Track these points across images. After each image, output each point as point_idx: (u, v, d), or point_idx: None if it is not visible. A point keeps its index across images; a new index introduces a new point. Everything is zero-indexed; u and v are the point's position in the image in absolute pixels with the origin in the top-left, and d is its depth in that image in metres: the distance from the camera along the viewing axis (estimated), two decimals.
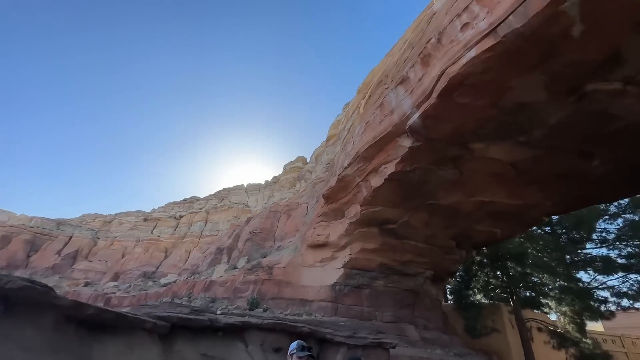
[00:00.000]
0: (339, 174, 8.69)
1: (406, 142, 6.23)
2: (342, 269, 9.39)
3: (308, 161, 29.47)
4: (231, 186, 38.50)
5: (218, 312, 8.70)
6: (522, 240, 14.81)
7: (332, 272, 9.52)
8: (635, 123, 4.95)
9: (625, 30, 3.68)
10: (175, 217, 35.88)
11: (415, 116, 5.67)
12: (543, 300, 15.06)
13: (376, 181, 7.28)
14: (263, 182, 36.64)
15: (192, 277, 17.63)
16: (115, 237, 34.38)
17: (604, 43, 3.86)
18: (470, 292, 15.54)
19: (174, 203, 38.92)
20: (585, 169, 6.27)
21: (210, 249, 22.71)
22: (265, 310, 10.05)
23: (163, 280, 21.37)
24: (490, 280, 15.74)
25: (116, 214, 39.07)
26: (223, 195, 37.01)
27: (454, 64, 4.78)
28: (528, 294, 15.08)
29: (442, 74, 5.02)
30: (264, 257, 14.21)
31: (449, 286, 16.48)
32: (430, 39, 5.70)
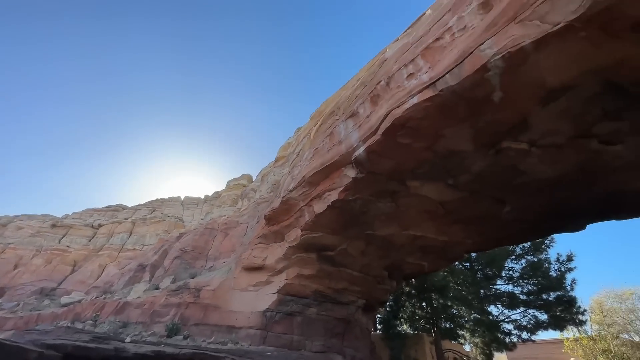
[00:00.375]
0: (283, 196, 8.63)
1: (351, 173, 6.51)
2: (276, 294, 9.08)
3: (254, 180, 28.80)
4: (166, 197, 35.49)
5: (127, 339, 7.64)
6: (446, 274, 16.07)
7: (265, 298, 9.14)
8: (537, 179, 5.89)
9: (532, 103, 4.45)
10: (92, 226, 31.54)
11: (361, 149, 5.99)
12: (460, 332, 16.31)
13: (319, 207, 7.38)
14: (202, 197, 34.52)
15: (103, 297, 15.39)
16: (10, 243, 28.72)
17: (516, 110, 4.60)
18: (398, 322, 16.16)
19: (94, 210, 34.33)
20: (498, 214, 7.18)
21: (131, 265, 20.28)
22: (185, 338, 9.12)
23: (64, 299, 18.25)
24: (416, 311, 16.63)
25: (15, 216, 32.95)
26: (155, 206, 33.84)
27: (398, 107, 5.23)
28: (448, 325, 16.22)
29: (387, 114, 5.44)
30: (193, 277, 13.12)
31: (379, 316, 16.98)
32: (380, 81, 6.20)
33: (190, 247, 16.44)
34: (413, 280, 15.13)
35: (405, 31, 7.74)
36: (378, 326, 17.88)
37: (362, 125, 6.21)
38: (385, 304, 13.83)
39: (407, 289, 16.26)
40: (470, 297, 15.61)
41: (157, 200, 34.78)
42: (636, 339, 20.56)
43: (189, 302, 10.46)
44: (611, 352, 19.00)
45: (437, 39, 5.23)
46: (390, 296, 14.24)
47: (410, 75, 5.37)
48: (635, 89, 4.08)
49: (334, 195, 6.92)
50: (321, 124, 9.05)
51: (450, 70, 4.53)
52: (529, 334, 15.11)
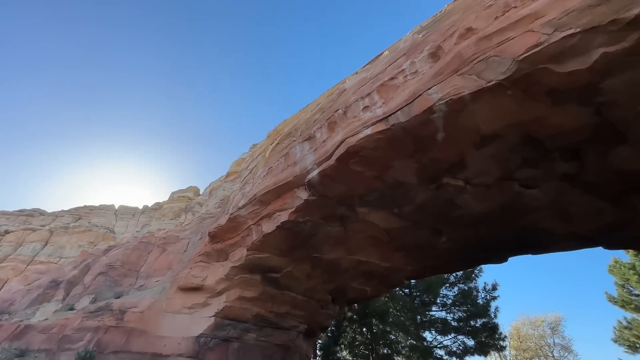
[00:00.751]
0: (232, 213, 8.32)
1: (303, 195, 6.55)
2: (214, 317, 8.48)
3: (201, 193, 27.36)
4: (97, 204, 31.85)
5: None
6: (386, 299, 16.54)
7: (200, 321, 8.47)
8: (469, 214, 6.50)
9: (468, 145, 5.00)
10: None
11: (315, 172, 6.11)
12: (396, 358, 16.67)
13: (268, 227, 7.24)
14: (141, 207, 31.67)
15: None
16: None
17: (456, 150, 5.12)
18: (338, 348, 16.03)
19: (2, 213, 29.43)
20: (436, 243, 7.71)
21: (41, 281, 17.46)
22: None
23: None
24: (357, 336, 16.70)
25: None
26: (82, 213, 30.08)
27: (353, 135, 5.50)
28: (386, 351, 16.50)
29: (343, 142, 5.67)
30: (118, 297, 11.70)
31: (320, 341, 16.69)
32: (338, 110, 6.49)
33: (119, 263, 14.76)
34: (355, 305, 15.29)
35: (365, 66, 8.30)
36: (318, 352, 17.52)
37: (317, 149, 6.36)
38: (326, 329, 13.68)
39: (349, 314, 16.36)
40: (407, 323, 16.20)
41: (84, 207, 30.96)
42: None
43: (109, 325, 9.24)
44: None
45: (392, 78, 5.69)
46: (332, 321, 14.16)
47: (366, 107, 5.71)
48: (548, 143, 4.83)
49: (284, 216, 6.87)
50: (278, 143, 9.07)
51: (402, 108, 4.94)
52: (457, 359, 16.00)
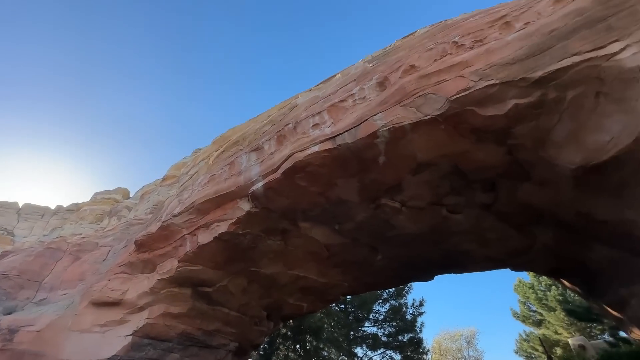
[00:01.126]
0: (165, 221, 7.68)
1: (245, 206, 6.37)
2: (131, 336, 7.57)
3: (131, 196, 24.83)
4: None
5: None
6: (322, 315, 16.60)
7: (114, 341, 7.48)
8: (403, 234, 6.97)
9: (406, 170, 5.42)
10: None
11: (260, 184, 6.00)
12: None
13: (204, 237, 6.83)
14: (53, 207, 27.43)
15: None
16: None
17: (394, 174, 5.50)
18: None
19: None
20: (372, 261, 8.06)
21: None
22: None
23: None
24: (290, 354, 16.35)
25: None
26: None
27: (301, 151, 5.57)
28: None
29: (290, 156, 5.70)
30: (9, 313, 9.81)
31: None
32: (288, 124, 6.54)
33: (16, 272, 12.45)
34: (290, 321, 15.04)
35: (318, 85, 8.57)
36: None
37: (264, 161, 6.29)
38: (259, 347, 13.14)
39: (283, 330, 16.00)
40: (341, 339, 16.40)
41: None
42: None
43: None
44: None
45: (342, 101, 5.96)
46: (265, 338, 13.68)
47: (316, 125, 5.86)
48: (471, 175, 5.46)
49: (223, 227, 6.56)
50: (223, 150, 8.74)
51: (349, 130, 5.18)
52: None
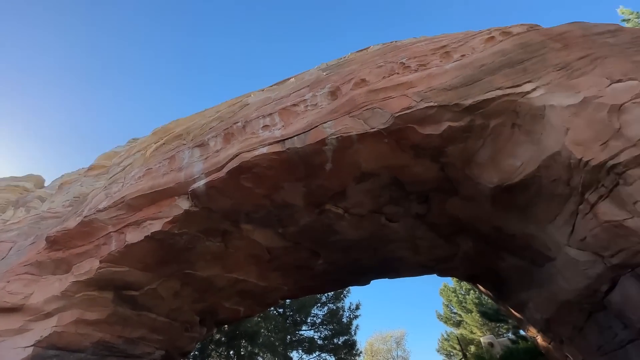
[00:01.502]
0: (87, 216, 6.84)
1: (184, 204, 5.99)
2: (32, 347, 6.54)
3: (46, 185, 21.58)
4: None
5: None
6: (259, 320, 16.27)
7: (9, 354, 6.38)
8: (345, 240, 7.21)
9: (350, 178, 5.64)
10: None
11: (202, 182, 5.71)
12: None
13: (134, 236, 6.23)
14: None
15: None
16: None
17: (340, 181, 5.69)
18: None
19: None
20: (313, 265, 8.17)
21: None
22: None
23: None
24: None
25: None
26: None
27: (249, 151, 5.45)
28: None
29: (237, 155, 5.54)
30: None
31: None
32: (237, 122, 6.36)
33: None
34: (225, 326, 14.45)
35: (271, 87, 8.48)
36: None
37: (209, 158, 6.01)
38: (188, 354, 12.35)
39: (217, 336, 15.29)
40: (277, 344, 16.23)
41: None
42: None
43: None
44: None
45: (294, 105, 6.00)
46: (197, 345, 12.93)
47: (266, 126, 5.80)
48: (409, 187, 5.89)
49: (157, 225, 6.07)
50: (164, 143, 8.14)
51: (299, 134, 5.22)
52: None
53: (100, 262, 6.52)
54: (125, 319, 7.36)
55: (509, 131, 4.64)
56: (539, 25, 5.64)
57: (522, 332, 12.24)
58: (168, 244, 6.39)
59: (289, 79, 8.07)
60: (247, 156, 5.40)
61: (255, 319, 15.73)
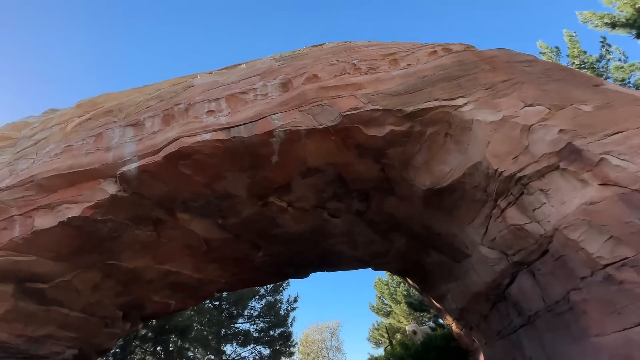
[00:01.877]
0: None
1: (110, 188, 5.41)
2: None
3: None
4: None
5: None
6: (192, 313, 15.55)
7: None
8: (287, 233, 7.23)
9: (296, 173, 5.66)
10: None
11: (134, 165, 5.21)
12: None
13: (45, 221, 5.44)
14: None
15: None
16: None
17: (285, 175, 5.67)
18: None
19: None
20: (253, 257, 8.05)
21: None
22: None
23: None
24: (148, 357, 14.65)
25: None
26: None
27: (190, 136, 5.12)
28: None
29: (176, 139, 5.17)
30: None
31: None
32: (180, 104, 5.93)
33: None
34: (154, 321, 13.52)
35: (220, 70, 8.05)
36: None
37: (143, 140, 5.50)
38: (107, 352, 11.29)
39: (143, 331, 14.22)
40: (210, 337, 15.69)
41: None
42: None
43: None
44: None
45: (243, 92, 5.80)
46: (119, 341, 11.88)
47: (211, 112, 5.51)
48: (351, 184, 6.12)
49: (75, 210, 5.38)
50: (90, 118, 7.21)
51: (246, 123, 5.07)
52: None
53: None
54: (29, 315, 6.43)
55: (442, 139, 5.10)
56: (474, 47, 6.26)
57: (440, 321, 13.67)
58: (88, 231, 5.72)
59: (239, 64, 7.75)
60: (188, 141, 5.07)
61: (188, 312, 14.96)
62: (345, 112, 4.89)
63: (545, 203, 4.01)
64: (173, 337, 14.61)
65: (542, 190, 4.05)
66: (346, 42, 7.85)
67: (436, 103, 4.85)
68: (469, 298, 6.61)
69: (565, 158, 3.83)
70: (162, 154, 5.14)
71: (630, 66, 13.70)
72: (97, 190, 5.45)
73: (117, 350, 13.25)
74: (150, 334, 14.33)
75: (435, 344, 9.71)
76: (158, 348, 14.70)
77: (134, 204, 5.64)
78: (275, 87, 5.79)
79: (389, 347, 16.54)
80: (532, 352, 5.07)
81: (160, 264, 7.18)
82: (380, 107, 4.86)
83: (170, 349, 14.58)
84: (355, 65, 5.82)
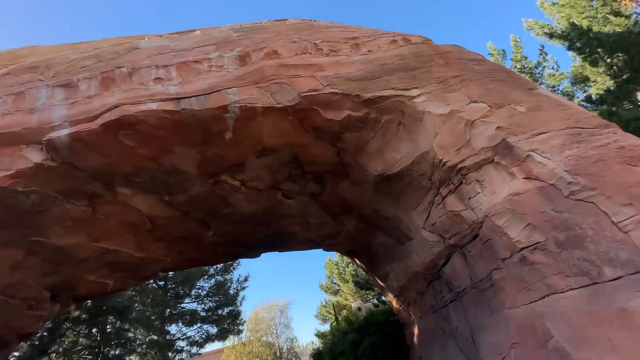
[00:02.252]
0: None
1: (35, 156, 4.76)
2: None
3: None
4: None
5: None
6: (133, 293, 14.78)
7: None
8: (238, 212, 7.08)
9: (250, 152, 5.50)
10: None
11: (64, 132, 4.63)
12: (130, 357, 15.03)
13: None
14: None
15: None
16: None
17: (239, 153, 5.49)
18: (47, 358, 12.45)
19: None
20: (202, 237, 7.79)
21: None
22: None
23: None
24: (81, 340, 13.69)
25: None
26: None
27: (133, 104, 4.67)
28: (117, 352, 14.50)
29: (117, 107, 4.68)
30: None
31: (17, 353, 12.25)
32: (122, 67, 5.35)
33: None
34: (89, 302, 12.59)
35: (171, 35, 7.37)
36: None
37: (77, 104, 4.89)
38: (32, 335, 10.31)
39: (76, 313, 13.19)
40: (153, 318, 15.11)
41: None
42: (270, 340, 27.93)
43: None
44: (253, 353, 24.52)
45: (197, 61, 5.40)
46: (46, 324, 10.91)
47: (159, 79, 5.07)
48: (307, 166, 6.13)
49: None
50: (8, 73, 6.19)
51: (198, 95, 4.75)
52: (199, 348, 16.59)
53: None
54: None
55: (396, 128, 5.31)
56: (431, 40, 6.50)
57: (383, 298, 14.70)
58: (6, 203, 5.03)
59: (193, 30, 7.16)
60: (131, 109, 4.63)
61: (129, 292, 14.12)
62: (304, 92, 4.82)
63: (479, 192, 4.44)
64: (111, 319, 13.76)
65: (478, 180, 4.46)
66: (310, 20, 7.64)
67: (392, 92, 5.00)
68: (409, 277, 7.18)
69: (499, 152, 4.24)
70: (99, 121, 4.63)
71: (560, 75, 15.42)
72: (17, 157, 4.77)
73: (45, 333, 12.13)
74: (84, 316, 13.29)
75: (376, 318, 10.47)
76: (94, 330, 13.77)
77: (64, 175, 5.05)
78: (232, 59, 5.48)
79: (335, 322, 17.45)
80: (457, 323, 5.72)
81: (96, 241, 6.62)
82: (339, 91, 4.87)
83: (108, 330, 13.75)
84: (317, 45, 5.72)
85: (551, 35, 14.72)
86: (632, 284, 2.94)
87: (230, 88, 4.82)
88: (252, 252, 9.81)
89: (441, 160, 4.70)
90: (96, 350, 13.49)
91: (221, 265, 17.81)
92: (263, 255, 10.22)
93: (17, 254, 6.05)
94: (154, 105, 4.62)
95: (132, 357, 14.72)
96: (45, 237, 5.95)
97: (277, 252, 10.35)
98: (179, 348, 16.05)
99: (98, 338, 13.62)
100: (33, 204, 5.24)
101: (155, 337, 14.81)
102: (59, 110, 4.86)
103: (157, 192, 6.01)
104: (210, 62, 5.36)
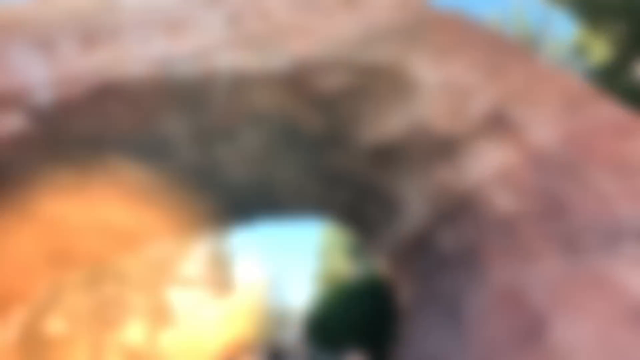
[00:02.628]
0: None
1: (15, 122, 4.59)
2: None
3: None
4: None
5: None
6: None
7: None
8: (232, 180, 7.07)
9: (241, 118, 5.38)
10: None
11: (44, 95, 4.44)
12: None
13: None
14: None
15: None
16: None
17: (230, 119, 5.37)
18: None
19: None
20: (196, 202, 7.80)
21: None
22: None
23: None
24: None
25: None
26: None
27: (119, 67, 4.45)
28: None
29: (102, 69, 4.46)
30: None
31: None
32: (105, 26, 5.03)
33: None
34: None
35: None
36: None
37: (56, 65, 4.65)
38: None
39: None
40: None
41: None
42: None
43: None
44: None
45: (184, 22, 5.13)
46: None
47: (145, 40, 4.80)
48: (301, 134, 6.06)
49: None
50: None
51: (186, 57, 4.54)
52: None
53: None
54: None
55: (390, 95, 5.19)
56: (433, 6, 6.22)
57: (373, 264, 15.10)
58: None
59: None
60: (117, 72, 4.43)
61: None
62: (299, 57, 4.64)
63: (471, 162, 4.48)
64: None
65: (470, 150, 4.49)
66: None
67: (388, 58, 4.85)
68: (399, 243, 7.42)
69: (492, 122, 4.24)
70: (83, 84, 4.43)
71: (561, 45, 15.07)
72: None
73: None
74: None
75: (365, 284, 10.96)
76: None
77: (46, 141, 4.92)
78: (222, 19, 5.19)
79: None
80: (443, 288, 6.02)
81: (87, 209, 6.61)
82: (336, 56, 4.71)
83: None
84: (314, 6, 5.42)
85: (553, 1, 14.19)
86: (610, 253, 3.09)
87: (219, 49, 4.61)
88: (244, 220, 9.94)
89: (435, 129, 4.68)
90: None
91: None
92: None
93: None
94: (139, 68, 4.42)
95: None
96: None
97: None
98: None
99: None
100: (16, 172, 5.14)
101: None
102: (36, 71, 4.62)
103: (146, 159, 5.93)
104: (199, 22, 5.07)
